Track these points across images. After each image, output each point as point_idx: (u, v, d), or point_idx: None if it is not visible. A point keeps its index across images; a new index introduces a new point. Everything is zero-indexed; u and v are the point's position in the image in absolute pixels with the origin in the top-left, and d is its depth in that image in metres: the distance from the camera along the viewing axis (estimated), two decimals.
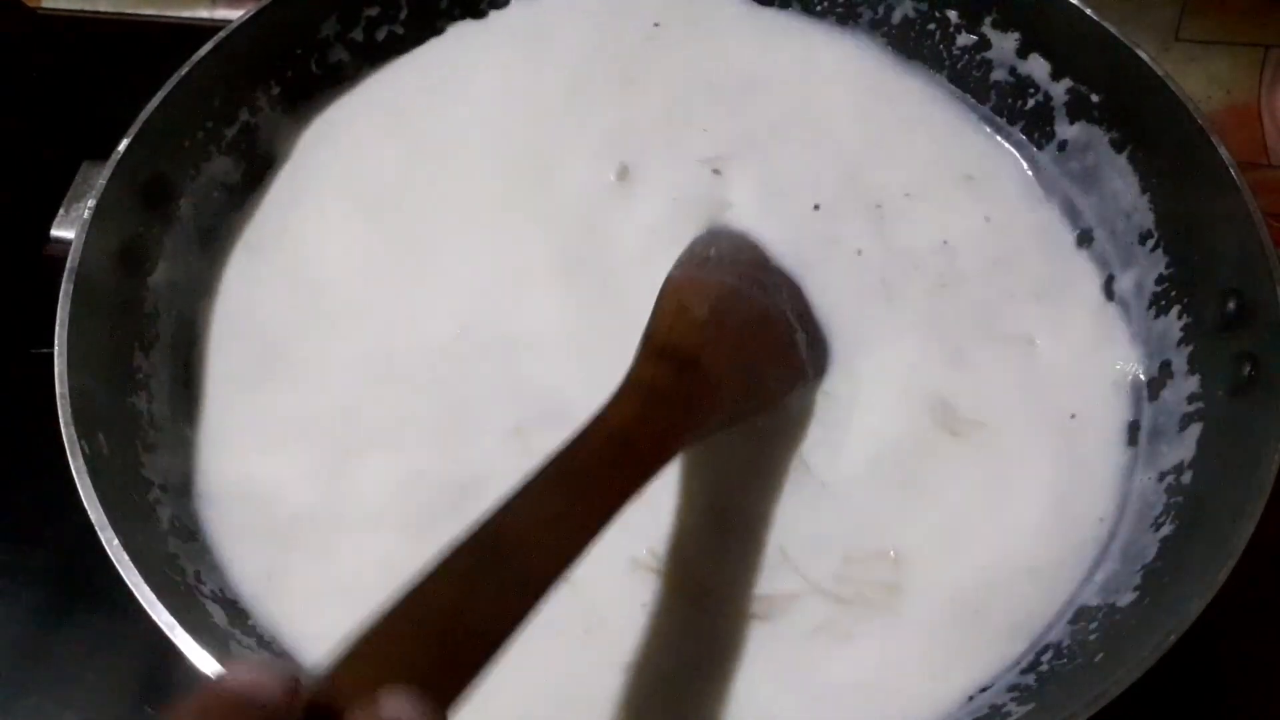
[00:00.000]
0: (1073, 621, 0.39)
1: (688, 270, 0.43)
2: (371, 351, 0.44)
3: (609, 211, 0.46)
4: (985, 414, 0.42)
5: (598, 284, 0.45)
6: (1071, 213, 0.48)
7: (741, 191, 0.47)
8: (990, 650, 0.39)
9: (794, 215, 0.46)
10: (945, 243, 0.46)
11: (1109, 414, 0.43)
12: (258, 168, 0.49)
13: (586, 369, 0.42)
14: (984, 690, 0.38)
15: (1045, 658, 0.39)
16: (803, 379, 0.43)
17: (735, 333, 0.40)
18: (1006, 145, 0.49)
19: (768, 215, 0.46)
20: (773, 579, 0.40)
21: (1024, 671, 0.38)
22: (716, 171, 0.47)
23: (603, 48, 0.50)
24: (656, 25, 0.51)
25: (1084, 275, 0.46)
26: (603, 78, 0.49)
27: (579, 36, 0.51)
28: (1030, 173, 0.49)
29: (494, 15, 0.52)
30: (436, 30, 0.52)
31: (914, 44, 0.51)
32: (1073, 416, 0.43)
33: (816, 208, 0.46)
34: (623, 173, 0.47)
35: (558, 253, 0.46)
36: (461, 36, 0.52)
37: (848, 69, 0.50)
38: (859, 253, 0.46)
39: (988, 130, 0.50)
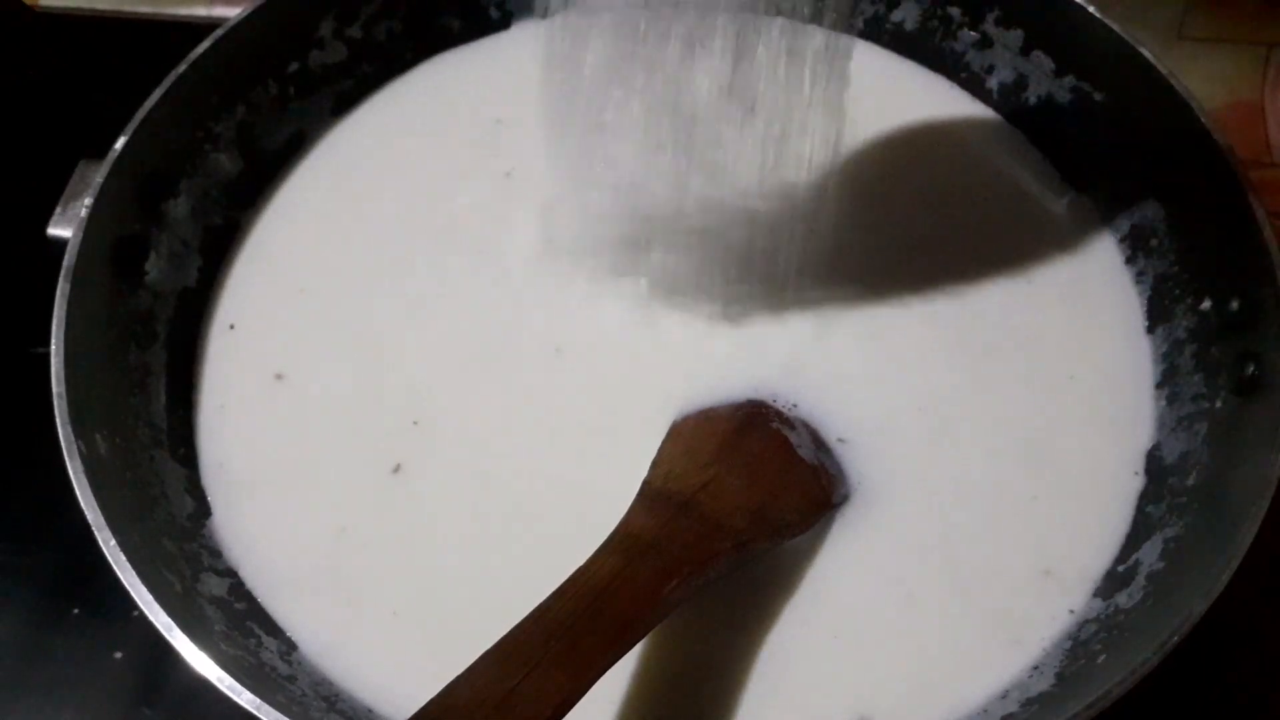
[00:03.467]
0: (1077, 622, 0.39)
1: (697, 413, 0.41)
2: (369, 353, 0.44)
3: None
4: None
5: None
6: None
7: None
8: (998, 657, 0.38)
9: None
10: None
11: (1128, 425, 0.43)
12: (258, 166, 0.49)
13: None
14: (1001, 698, 0.38)
15: (1048, 659, 0.38)
16: (826, 507, 0.40)
17: (744, 466, 0.39)
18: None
19: None
20: None
21: (1027, 673, 0.38)
22: None
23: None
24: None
25: None
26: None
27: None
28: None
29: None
30: (437, 35, 0.52)
31: (915, 42, 0.51)
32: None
33: None
34: None
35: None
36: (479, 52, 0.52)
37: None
38: None
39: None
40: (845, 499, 0.41)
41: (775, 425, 0.41)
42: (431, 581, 0.40)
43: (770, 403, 0.42)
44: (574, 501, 0.41)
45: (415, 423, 0.43)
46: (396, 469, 0.42)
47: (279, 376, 0.44)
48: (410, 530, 0.41)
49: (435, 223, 0.47)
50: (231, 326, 0.46)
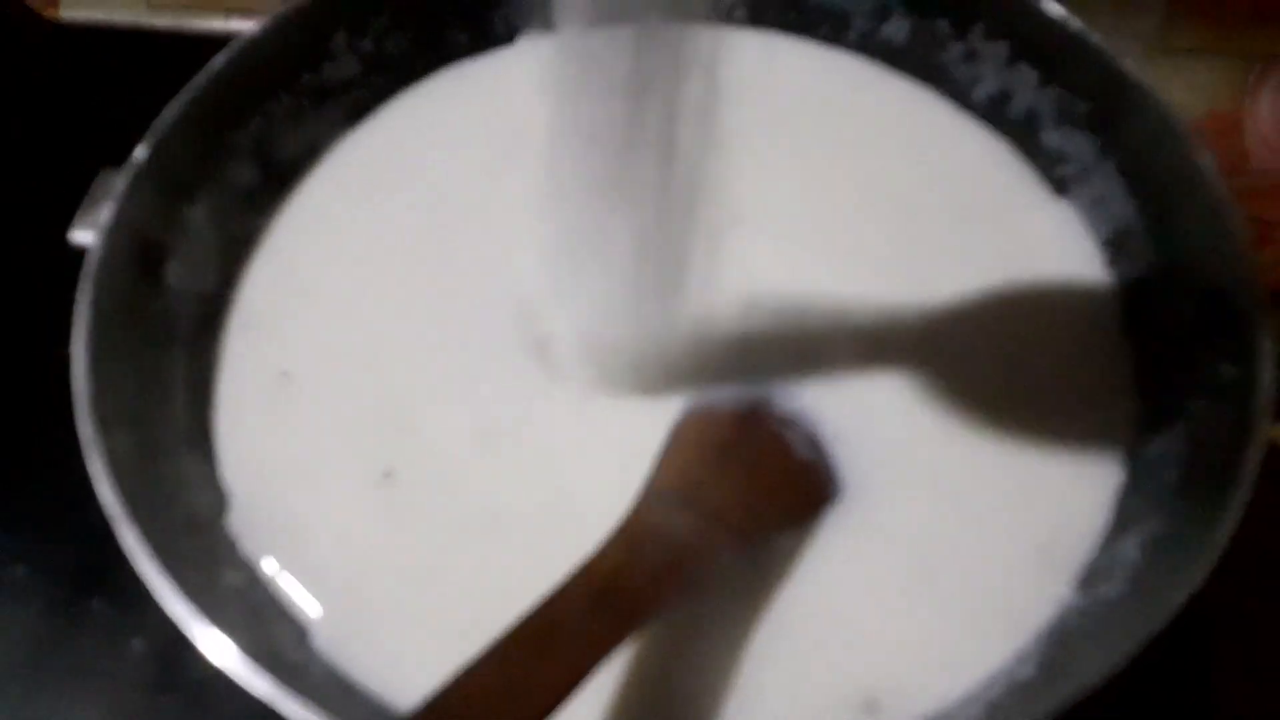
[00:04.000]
0: (1060, 613, 0.40)
1: (697, 413, 0.43)
2: (366, 358, 0.45)
3: None
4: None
5: None
6: None
7: None
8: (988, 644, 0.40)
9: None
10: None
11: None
12: (273, 175, 0.50)
13: None
14: (988, 684, 0.39)
15: (1032, 647, 0.39)
16: (823, 501, 0.42)
17: (744, 462, 0.40)
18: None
19: None
20: None
21: (1013, 660, 0.39)
22: None
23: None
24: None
25: None
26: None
27: None
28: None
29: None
30: (446, 48, 0.53)
31: (904, 56, 0.52)
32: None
33: None
34: None
35: None
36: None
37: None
38: None
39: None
40: (842, 493, 0.42)
41: (773, 423, 0.43)
42: (436, 581, 0.41)
43: (768, 402, 0.44)
44: (570, 505, 0.42)
45: (403, 430, 0.44)
46: (388, 474, 0.43)
47: (285, 374, 0.45)
48: (408, 532, 0.42)
49: (442, 231, 0.48)
50: (246, 328, 0.47)
